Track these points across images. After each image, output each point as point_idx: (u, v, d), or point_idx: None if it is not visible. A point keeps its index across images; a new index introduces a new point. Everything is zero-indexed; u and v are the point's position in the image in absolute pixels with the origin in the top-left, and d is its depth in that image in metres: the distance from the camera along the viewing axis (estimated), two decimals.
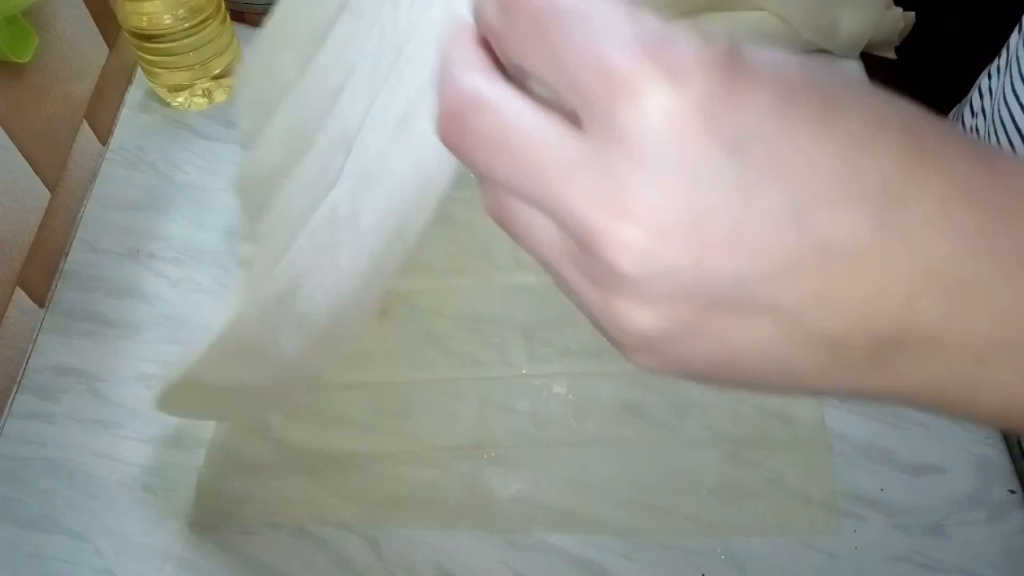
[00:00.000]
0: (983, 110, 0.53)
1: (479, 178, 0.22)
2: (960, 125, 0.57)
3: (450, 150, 0.22)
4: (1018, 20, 0.52)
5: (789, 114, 0.19)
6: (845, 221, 0.19)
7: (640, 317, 0.20)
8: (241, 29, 0.73)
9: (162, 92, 0.69)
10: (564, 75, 0.19)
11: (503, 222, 0.24)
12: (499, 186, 0.22)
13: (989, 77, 0.53)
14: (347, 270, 0.36)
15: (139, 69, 0.70)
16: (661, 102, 0.18)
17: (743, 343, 0.20)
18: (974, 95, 0.55)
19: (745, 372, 0.21)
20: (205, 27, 0.64)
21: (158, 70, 0.66)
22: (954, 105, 0.68)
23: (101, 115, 0.67)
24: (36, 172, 0.58)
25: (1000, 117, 0.50)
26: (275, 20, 0.44)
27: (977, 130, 0.54)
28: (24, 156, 0.56)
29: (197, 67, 0.66)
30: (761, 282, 0.19)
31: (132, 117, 0.69)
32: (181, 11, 0.62)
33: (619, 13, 0.19)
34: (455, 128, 0.21)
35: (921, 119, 0.21)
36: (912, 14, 0.71)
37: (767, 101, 0.19)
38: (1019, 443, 0.53)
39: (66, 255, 0.61)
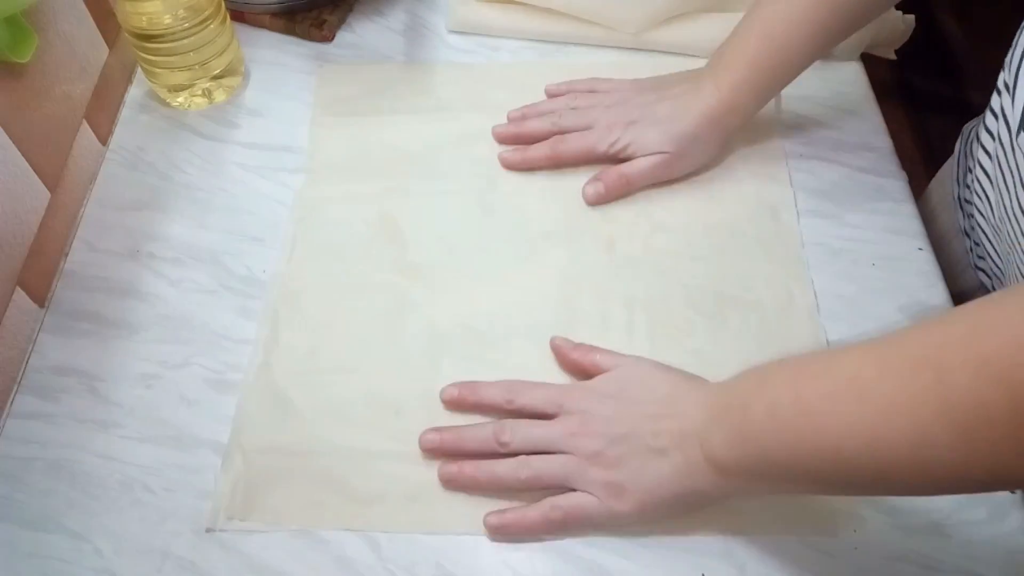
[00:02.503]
0: (999, 136, 0.53)
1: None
2: (977, 146, 0.57)
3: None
4: (1018, 20, 0.51)
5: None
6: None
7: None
8: (241, 29, 0.73)
9: (162, 92, 0.69)
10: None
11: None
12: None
13: (999, 94, 0.53)
14: None
15: (139, 69, 0.70)
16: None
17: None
18: (987, 117, 0.54)
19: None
20: (205, 27, 0.64)
21: (158, 70, 0.66)
22: (954, 104, 0.67)
23: (101, 115, 0.67)
24: (36, 172, 0.58)
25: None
26: None
27: (996, 156, 0.53)
28: (24, 156, 0.56)
29: (197, 67, 0.66)
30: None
31: (132, 117, 0.69)
32: (181, 11, 0.62)
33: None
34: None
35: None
36: (912, 17, 0.71)
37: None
38: None
39: (66, 255, 0.61)
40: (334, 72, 0.71)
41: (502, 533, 0.49)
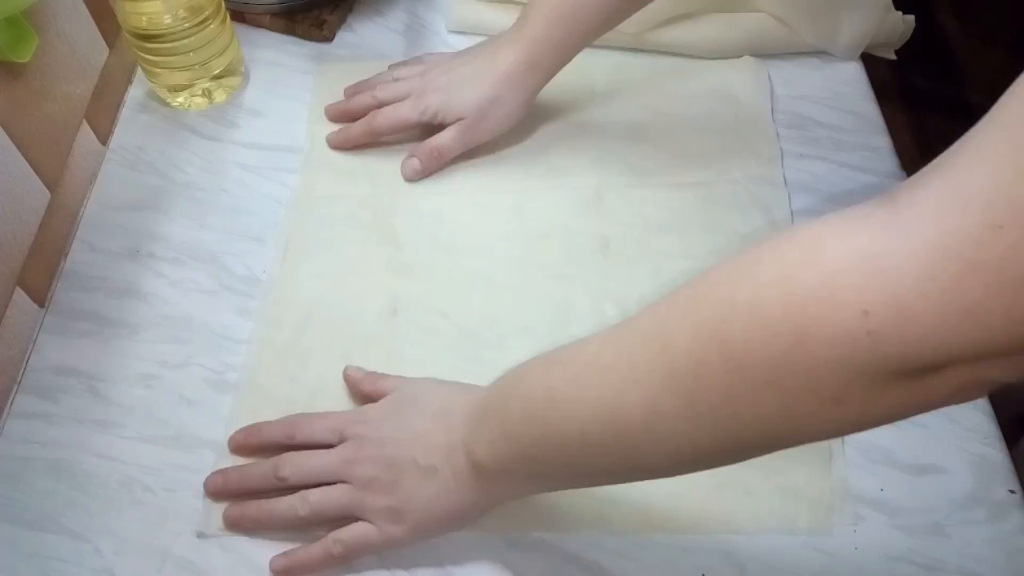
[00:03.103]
0: None
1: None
2: None
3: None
4: (1019, 20, 0.51)
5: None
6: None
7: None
8: (241, 29, 0.73)
9: (162, 92, 0.69)
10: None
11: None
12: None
13: None
14: None
15: (139, 69, 0.70)
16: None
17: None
18: None
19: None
20: (205, 27, 0.64)
21: (158, 70, 0.66)
22: (954, 104, 0.67)
23: (101, 115, 0.67)
24: (36, 172, 0.58)
25: None
26: None
27: None
28: (24, 156, 0.56)
29: (197, 67, 0.66)
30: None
31: (132, 117, 0.69)
32: (181, 11, 0.62)
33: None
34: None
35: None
36: (912, 17, 0.71)
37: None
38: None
39: (66, 255, 0.61)
40: (332, 71, 0.71)
41: (289, 575, 0.48)
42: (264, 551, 0.49)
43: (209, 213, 0.63)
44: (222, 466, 0.52)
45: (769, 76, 0.70)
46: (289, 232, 0.62)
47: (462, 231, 0.62)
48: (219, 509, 0.50)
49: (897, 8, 0.71)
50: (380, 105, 0.65)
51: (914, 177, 0.30)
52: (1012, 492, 0.50)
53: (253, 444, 0.52)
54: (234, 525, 0.49)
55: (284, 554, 0.48)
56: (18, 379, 0.56)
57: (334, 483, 0.48)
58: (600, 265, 0.60)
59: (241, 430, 0.52)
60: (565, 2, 0.59)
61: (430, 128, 0.63)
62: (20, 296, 0.56)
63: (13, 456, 0.53)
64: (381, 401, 0.51)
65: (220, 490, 0.50)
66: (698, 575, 0.48)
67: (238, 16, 0.74)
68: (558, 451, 0.41)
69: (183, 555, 0.49)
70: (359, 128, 0.65)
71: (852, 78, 0.71)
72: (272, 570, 0.48)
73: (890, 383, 0.30)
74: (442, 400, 0.48)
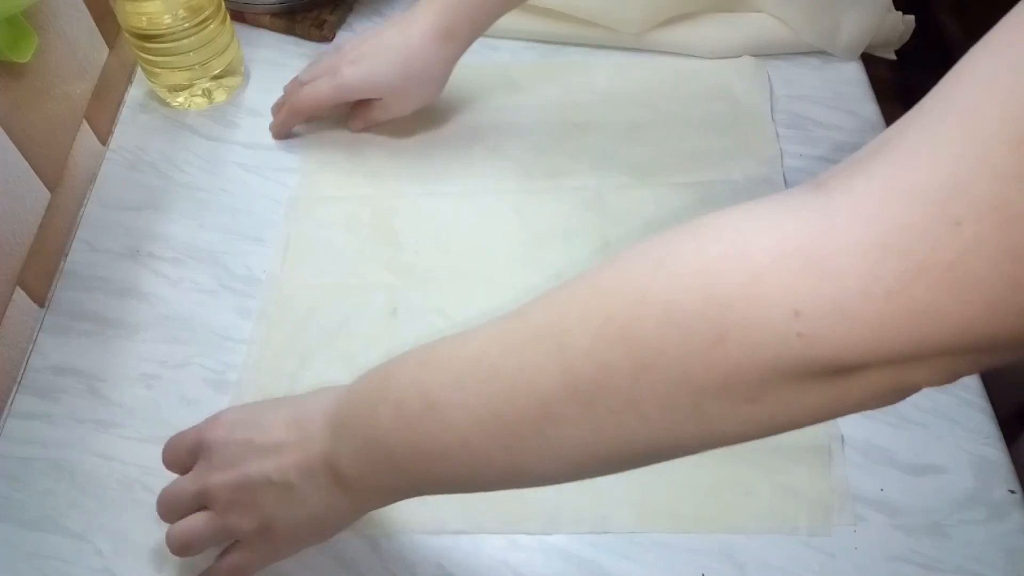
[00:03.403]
0: None
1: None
2: None
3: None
4: None
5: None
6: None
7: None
8: (241, 29, 0.73)
9: (162, 92, 0.69)
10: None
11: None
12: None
13: None
14: None
15: (139, 69, 0.70)
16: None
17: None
18: None
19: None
20: (205, 27, 0.64)
21: (158, 70, 0.66)
22: None
23: (101, 115, 0.67)
24: (36, 172, 0.58)
25: None
26: None
27: None
28: (24, 156, 0.56)
29: (197, 67, 0.66)
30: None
31: (132, 117, 0.69)
32: (181, 11, 0.62)
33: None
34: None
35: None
36: (912, 18, 0.71)
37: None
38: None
39: (66, 255, 0.61)
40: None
41: None
42: None
43: (209, 213, 0.63)
44: None
45: (768, 76, 0.70)
46: (289, 232, 0.62)
47: (462, 231, 0.62)
48: None
49: (897, 8, 0.71)
50: (303, 86, 0.65)
51: (845, 164, 0.28)
52: (1012, 492, 0.50)
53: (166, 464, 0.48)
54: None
55: None
56: (18, 379, 0.56)
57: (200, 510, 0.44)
58: None
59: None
60: None
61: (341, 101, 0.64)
62: (20, 296, 0.56)
63: (13, 456, 0.53)
64: (235, 406, 0.47)
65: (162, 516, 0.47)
66: (698, 575, 0.48)
67: (238, 16, 0.74)
68: (435, 463, 0.36)
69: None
70: (284, 112, 0.66)
71: (852, 78, 0.71)
72: None
73: (809, 384, 0.28)
74: (297, 405, 0.43)
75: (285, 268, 0.60)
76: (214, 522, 0.43)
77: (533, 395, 0.32)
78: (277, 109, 0.68)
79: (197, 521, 0.44)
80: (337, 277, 0.60)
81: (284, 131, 0.67)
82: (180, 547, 0.44)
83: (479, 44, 0.73)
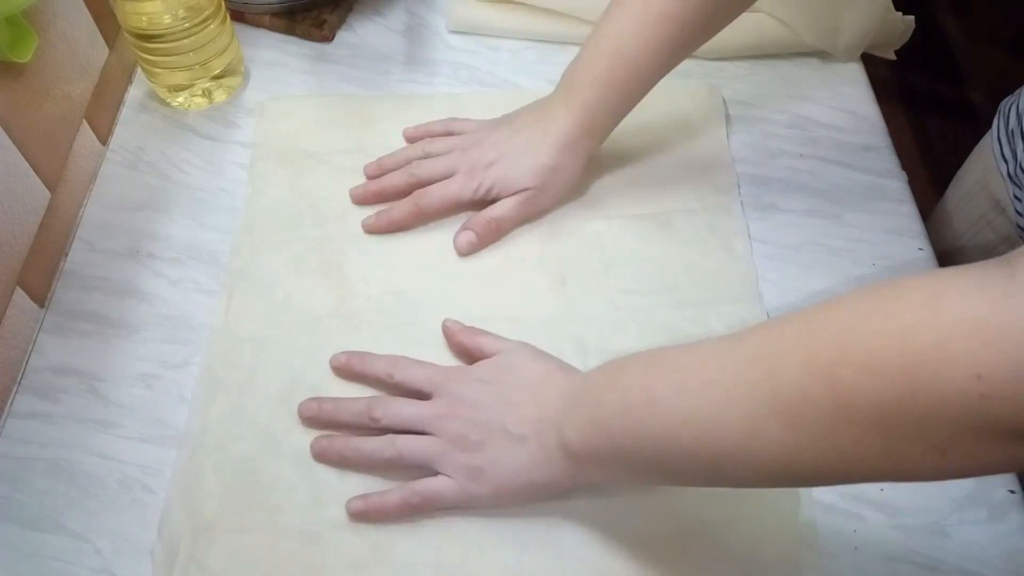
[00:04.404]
0: None
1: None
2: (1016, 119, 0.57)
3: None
4: (1018, 20, 0.51)
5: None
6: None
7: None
8: (241, 29, 0.73)
9: (162, 92, 0.69)
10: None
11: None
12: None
13: None
14: None
15: (139, 69, 0.70)
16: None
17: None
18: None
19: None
20: (205, 27, 0.64)
21: (158, 70, 0.66)
22: (954, 104, 0.67)
23: (101, 115, 0.67)
24: (36, 172, 0.58)
25: None
26: None
27: None
28: (24, 156, 0.56)
29: (197, 67, 0.66)
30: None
31: (132, 117, 0.69)
32: (181, 11, 0.62)
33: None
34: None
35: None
36: (912, 18, 0.71)
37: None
38: None
39: (66, 255, 0.61)
40: (276, 106, 0.69)
41: (364, 518, 0.49)
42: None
43: (209, 213, 0.63)
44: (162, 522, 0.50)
45: (724, 101, 0.68)
46: (231, 284, 0.59)
47: (414, 275, 0.60)
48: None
49: (897, 8, 0.71)
50: (420, 184, 0.61)
51: None
52: (1012, 492, 0.50)
53: (355, 370, 0.54)
54: (320, 456, 0.51)
55: (361, 497, 0.49)
56: (18, 379, 0.56)
57: (422, 434, 0.49)
58: (558, 304, 0.58)
59: (346, 352, 0.54)
60: (617, 64, 0.57)
61: (471, 205, 0.61)
62: (20, 296, 0.56)
63: (13, 456, 0.53)
64: (481, 363, 0.52)
65: (312, 416, 0.52)
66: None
67: (238, 16, 0.74)
68: (648, 450, 0.42)
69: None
70: (405, 209, 0.61)
71: (852, 78, 0.71)
72: (349, 511, 0.49)
73: (998, 441, 0.31)
74: (540, 375, 0.50)
75: (228, 321, 0.57)
76: (438, 447, 0.49)
77: (743, 409, 0.37)
78: (367, 197, 0.63)
79: (424, 441, 0.49)
80: (285, 327, 0.57)
81: (394, 229, 0.61)
82: (398, 457, 0.49)
83: (479, 44, 0.74)
